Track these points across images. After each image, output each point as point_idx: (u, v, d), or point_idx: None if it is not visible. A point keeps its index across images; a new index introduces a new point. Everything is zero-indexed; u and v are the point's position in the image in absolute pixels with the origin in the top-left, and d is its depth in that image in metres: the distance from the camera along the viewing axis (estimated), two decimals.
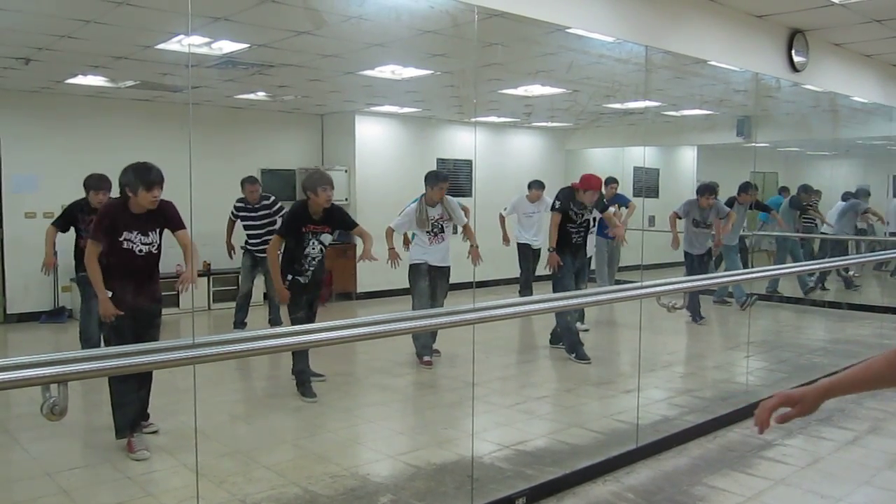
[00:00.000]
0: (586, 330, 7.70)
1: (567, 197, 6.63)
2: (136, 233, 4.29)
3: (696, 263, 8.38)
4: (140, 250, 4.30)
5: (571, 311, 6.78)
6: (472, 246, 6.44)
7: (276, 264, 5.46)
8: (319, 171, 5.64)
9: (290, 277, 5.42)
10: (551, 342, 7.21)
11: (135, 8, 4.74)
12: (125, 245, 4.26)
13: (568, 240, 6.63)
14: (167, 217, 4.39)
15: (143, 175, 4.20)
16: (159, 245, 4.40)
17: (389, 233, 6.29)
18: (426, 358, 6.48)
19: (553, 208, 6.72)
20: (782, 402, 1.61)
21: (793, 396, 1.61)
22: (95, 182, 5.59)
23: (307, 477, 3.99)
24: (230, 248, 7.95)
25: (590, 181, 6.53)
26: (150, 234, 4.34)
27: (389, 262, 6.23)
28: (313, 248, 5.47)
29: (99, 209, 4.81)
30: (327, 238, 5.56)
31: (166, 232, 4.43)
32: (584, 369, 6.48)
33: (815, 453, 4.42)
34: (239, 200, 7.82)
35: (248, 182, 7.75)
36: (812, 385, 1.62)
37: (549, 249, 6.63)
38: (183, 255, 4.51)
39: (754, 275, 6.46)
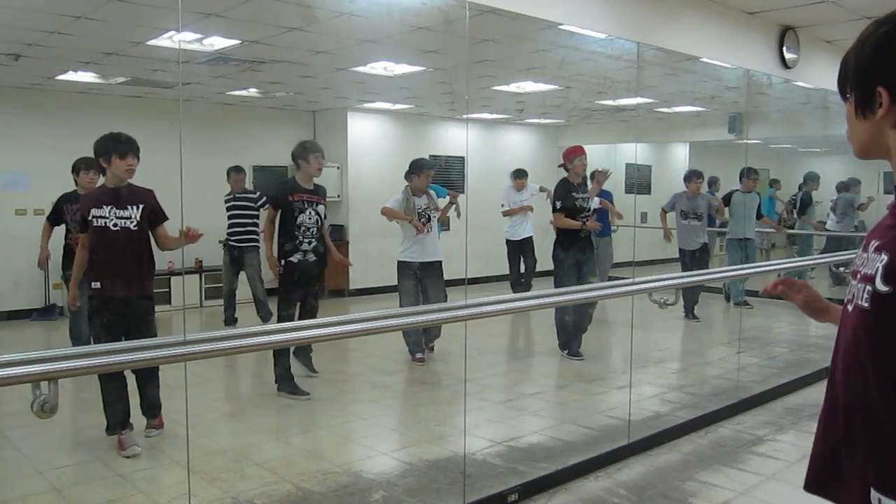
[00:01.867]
0: None
1: (565, 190, 6.45)
2: (109, 207, 4.17)
3: (688, 259, 8.37)
4: (115, 224, 4.17)
5: (568, 308, 6.65)
6: (450, 202, 6.70)
7: (271, 236, 5.37)
8: (310, 140, 5.56)
9: (282, 262, 5.28)
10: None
11: (125, 4, 4.71)
12: (96, 223, 4.17)
13: (575, 234, 6.46)
14: (152, 207, 4.29)
15: (116, 143, 4.16)
16: (139, 223, 4.21)
17: (390, 211, 6.33)
18: (418, 355, 6.47)
19: (555, 209, 6.48)
20: (788, 285, 1.78)
21: (796, 283, 1.77)
22: (85, 162, 5.50)
23: (299, 474, 3.98)
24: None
25: (572, 149, 6.55)
26: (128, 207, 4.20)
27: (416, 233, 6.24)
28: (309, 218, 5.29)
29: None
30: (322, 209, 5.41)
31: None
32: (577, 366, 6.49)
33: (806, 449, 4.39)
34: (227, 194, 7.95)
35: (233, 171, 7.96)
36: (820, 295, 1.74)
37: (582, 226, 6.44)
38: (178, 235, 4.28)
39: (746, 271, 6.47)
